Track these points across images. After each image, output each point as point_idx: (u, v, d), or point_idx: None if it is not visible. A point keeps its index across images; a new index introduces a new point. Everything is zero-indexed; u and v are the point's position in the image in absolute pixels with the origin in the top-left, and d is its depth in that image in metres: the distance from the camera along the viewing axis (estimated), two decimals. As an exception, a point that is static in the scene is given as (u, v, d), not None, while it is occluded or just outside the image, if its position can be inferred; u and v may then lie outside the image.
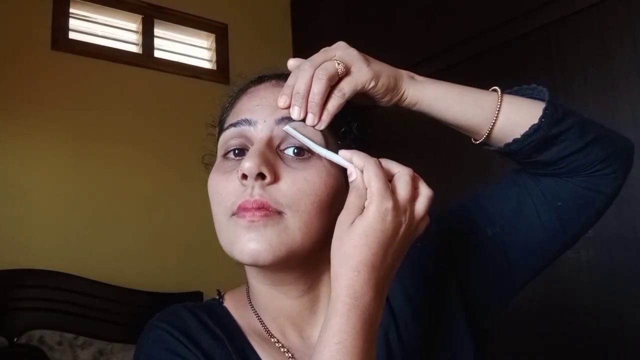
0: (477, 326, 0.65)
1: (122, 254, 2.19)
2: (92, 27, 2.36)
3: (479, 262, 0.67)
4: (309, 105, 0.56)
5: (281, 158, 0.57)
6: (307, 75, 0.56)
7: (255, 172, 0.53)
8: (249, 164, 0.53)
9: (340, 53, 0.59)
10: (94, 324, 1.98)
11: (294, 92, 0.57)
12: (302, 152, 0.57)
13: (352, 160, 0.53)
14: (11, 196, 2.01)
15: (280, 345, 0.61)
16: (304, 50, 2.77)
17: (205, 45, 2.71)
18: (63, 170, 2.14)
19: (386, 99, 0.61)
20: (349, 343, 0.46)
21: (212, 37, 2.68)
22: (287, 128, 0.56)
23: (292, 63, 0.61)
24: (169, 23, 2.55)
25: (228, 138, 0.59)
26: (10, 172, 2.03)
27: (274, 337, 0.62)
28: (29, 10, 2.15)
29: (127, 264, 2.19)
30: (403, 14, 2.08)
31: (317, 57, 0.58)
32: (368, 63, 0.59)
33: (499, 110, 0.62)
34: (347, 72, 0.58)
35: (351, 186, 0.52)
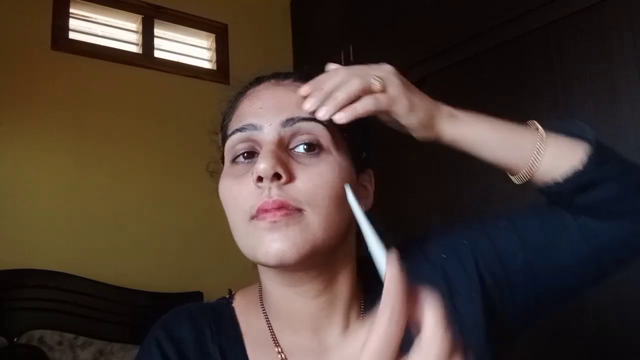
0: (495, 345, 0.64)
1: (122, 254, 2.19)
2: (92, 27, 2.36)
3: (506, 286, 0.65)
4: (329, 100, 0.55)
5: (292, 157, 0.56)
6: (339, 78, 0.56)
7: (271, 172, 0.53)
8: (264, 165, 0.52)
9: (383, 74, 0.58)
10: (94, 324, 1.98)
11: (318, 86, 0.56)
12: (313, 147, 0.57)
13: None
14: (11, 196, 2.01)
15: (283, 357, 0.60)
16: (304, 50, 2.77)
17: (205, 45, 2.71)
18: (63, 170, 2.14)
19: (419, 134, 0.60)
20: None
21: (212, 37, 2.68)
22: (348, 193, 0.55)
23: (332, 67, 0.60)
24: (169, 23, 2.55)
25: (235, 143, 0.59)
26: (10, 172, 2.03)
27: (279, 345, 0.61)
28: (29, 10, 2.15)
29: (127, 263, 2.18)
30: (403, 15, 2.08)
31: (357, 68, 0.58)
32: (407, 93, 0.58)
33: (539, 152, 0.61)
34: (383, 92, 0.57)
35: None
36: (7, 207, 2.00)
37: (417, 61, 1.96)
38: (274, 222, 0.53)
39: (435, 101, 0.61)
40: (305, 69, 0.65)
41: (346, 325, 0.62)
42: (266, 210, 0.53)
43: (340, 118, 0.55)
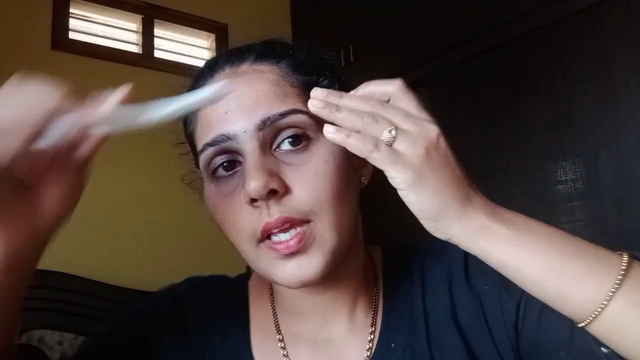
0: None
1: (122, 254, 2.19)
2: (92, 27, 2.36)
3: None
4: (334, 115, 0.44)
5: (278, 158, 0.50)
6: (358, 106, 0.44)
7: (265, 192, 0.47)
8: (254, 184, 0.46)
9: (413, 130, 0.43)
10: (94, 324, 1.98)
11: (335, 109, 0.44)
12: (299, 139, 0.50)
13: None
14: (11, 196, 2.01)
15: (282, 345, 0.59)
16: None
17: (205, 45, 2.71)
18: (63, 170, 2.14)
19: (423, 222, 0.45)
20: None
21: (212, 37, 2.68)
22: None
23: (368, 88, 0.47)
24: (169, 23, 2.55)
25: (209, 158, 0.53)
26: (10, 172, 2.03)
27: (280, 333, 0.60)
28: (29, 10, 2.15)
29: (127, 264, 2.19)
30: (403, 14, 2.08)
31: (393, 109, 0.44)
32: (424, 166, 0.42)
33: (604, 306, 0.41)
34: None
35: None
36: (7, 207, 2.00)
37: (417, 61, 1.96)
38: (289, 253, 0.48)
39: (470, 202, 0.44)
40: (260, 43, 0.58)
41: (352, 319, 0.59)
42: (273, 234, 0.48)
43: (330, 133, 0.44)
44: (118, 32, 2.43)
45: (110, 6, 2.38)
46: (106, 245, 2.17)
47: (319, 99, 0.45)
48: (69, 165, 0.44)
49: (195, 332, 0.60)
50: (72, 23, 2.27)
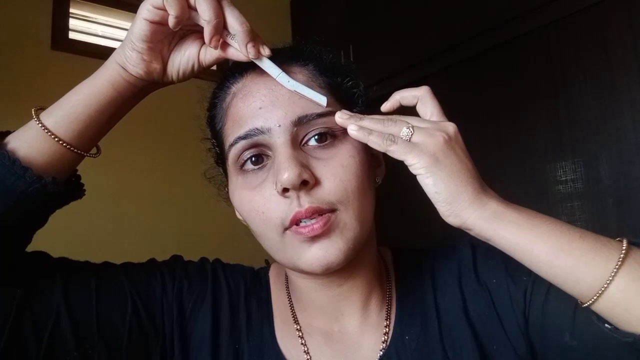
0: None
1: (122, 254, 2.19)
2: (92, 27, 2.36)
3: (540, 351, 0.58)
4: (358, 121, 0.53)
5: (307, 153, 0.54)
6: (381, 117, 0.53)
7: (298, 182, 0.50)
8: (288, 175, 0.49)
9: (429, 126, 0.50)
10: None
11: (354, 116, 0.53)
12: (325, 137, 0.54)
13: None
14: (11, 196, 2.01)
15: (300, 334, 0.61)
16: (304, 50, 2.76)
17: (205, 45, 2.71)
18: (63, 170, 2.14)
19: (438, 205, 0.49)
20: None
21: (212, 37, 2.68)
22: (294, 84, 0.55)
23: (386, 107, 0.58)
24: (169, 23, 2.55)
25: (240, 151, 0.55)
26: (10, 172, 2.03)
27: (298, 323, 0.62)
28: (29, 10, 2.15)
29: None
30: (403, 15, 2.08)
31: (413, 119, 0.53)
32: (441, 154, 0.48)
33: (609, 282, 0.44)
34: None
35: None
36: (7, 207, 1.99)
37: (417, 61, 1.96)
38: (314, 236, 0.51)
39: (484, 191, 0.49)
40: (288, 47, 0.62)
41: (365, 313, 0.61)
42: (301, 221, 0.51)
43: (353, 130, 0.52)
44: (118, 32, 2.43)
45: (110, 6, 2.38)
46: (106, 245, 2.16)
47: (345, 112, 0.53)
48: (198, 56, 0.55)
49: (224, 304, 0.62)
50: (72, 23, 2.27)
